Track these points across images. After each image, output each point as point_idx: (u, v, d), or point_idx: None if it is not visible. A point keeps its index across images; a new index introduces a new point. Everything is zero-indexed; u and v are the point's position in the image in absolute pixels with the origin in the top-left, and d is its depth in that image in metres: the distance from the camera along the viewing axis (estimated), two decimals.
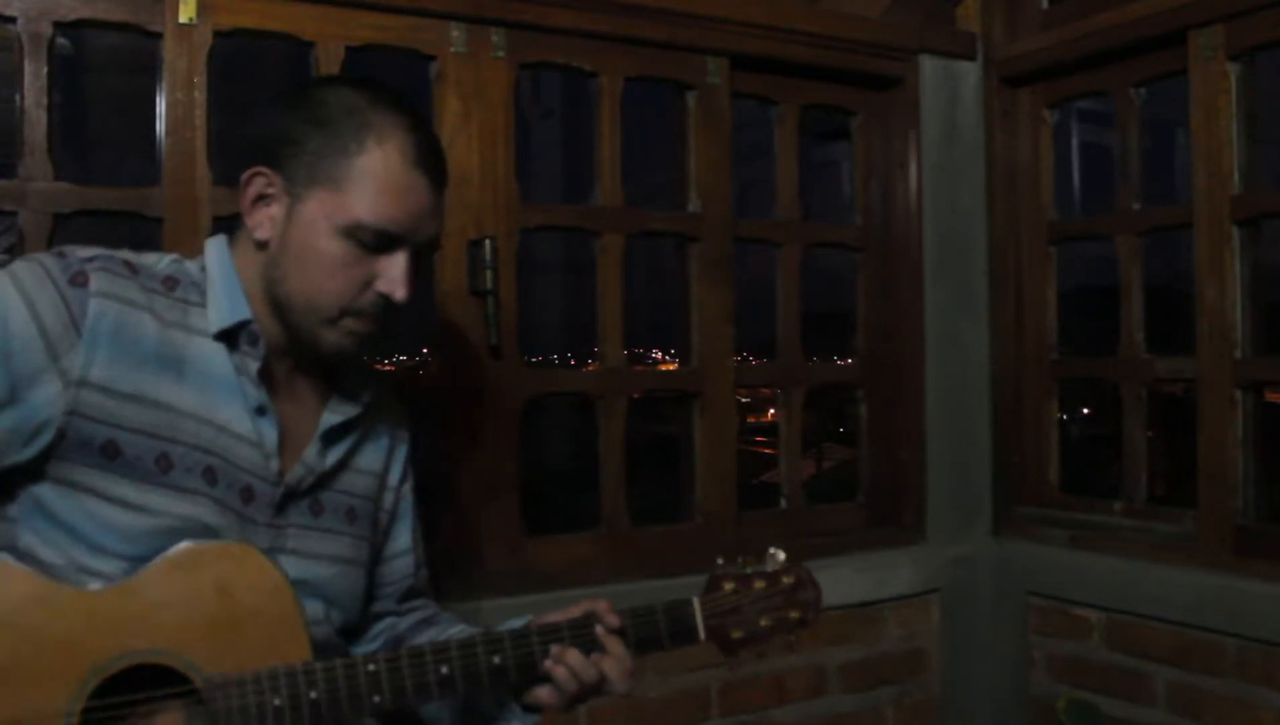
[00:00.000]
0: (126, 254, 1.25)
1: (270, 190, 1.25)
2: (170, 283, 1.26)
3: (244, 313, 1.26)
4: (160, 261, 1.27)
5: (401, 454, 1.49)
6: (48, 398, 1.16)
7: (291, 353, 1.31)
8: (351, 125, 1.23)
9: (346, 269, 1.23)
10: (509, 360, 2.10)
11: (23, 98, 1.76)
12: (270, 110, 1.30)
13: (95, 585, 1.15)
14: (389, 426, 1.46)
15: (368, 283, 1.25)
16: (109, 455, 1.18)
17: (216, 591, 1.18)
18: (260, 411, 1.27)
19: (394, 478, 1.47)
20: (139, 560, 1.17)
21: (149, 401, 1.20)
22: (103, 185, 1.83)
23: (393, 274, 1.25)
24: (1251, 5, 2.10)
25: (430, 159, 1.26)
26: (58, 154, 1.78)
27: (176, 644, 1.16)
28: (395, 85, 1.31)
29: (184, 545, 1.18)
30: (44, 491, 1.18)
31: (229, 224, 1.39)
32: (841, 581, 2.38)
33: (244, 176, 1.26)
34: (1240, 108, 2.17)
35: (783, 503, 2.52)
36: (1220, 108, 2.18)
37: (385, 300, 1.25)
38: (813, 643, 2.37)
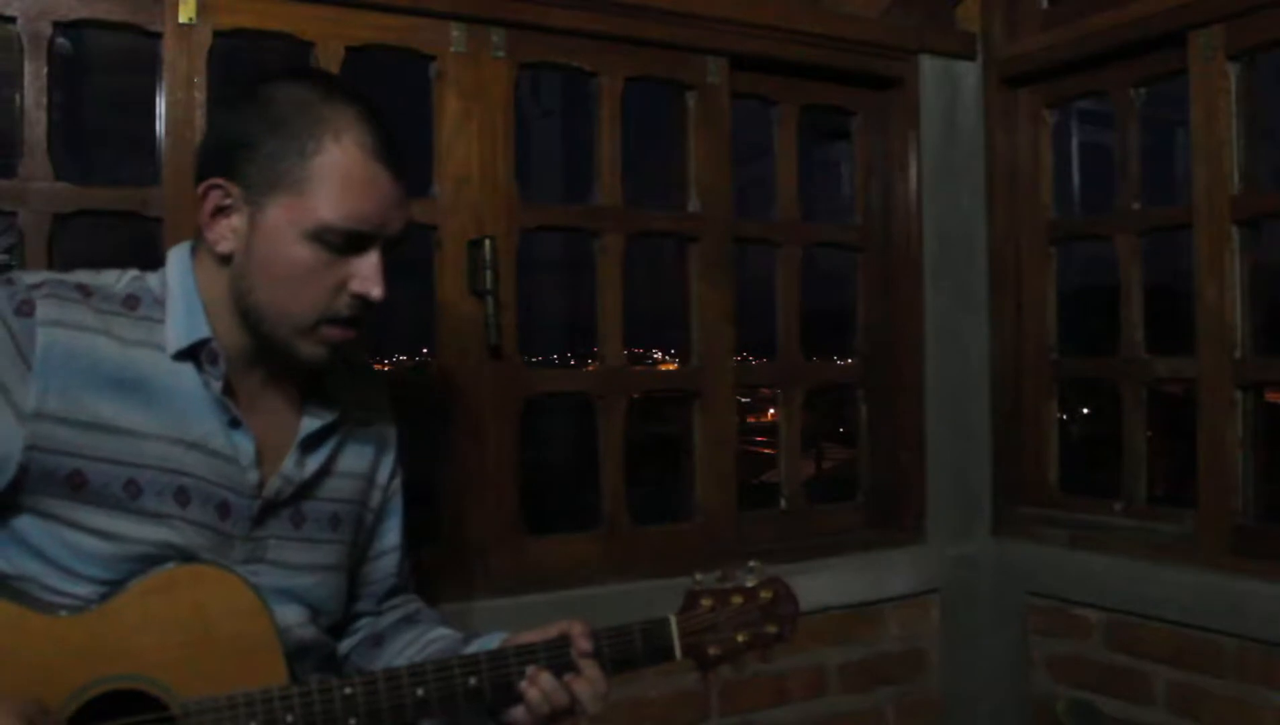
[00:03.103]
0: (80, 276, 1.22)
1: (228, 201, 1.20)
2: (131, 301, 1.22)
3: (202, 332, 1.22)
4: (119, 281, 1.24)
5: (390, 452, 1.46)
6: (4, 435, 1.13)
7: (264, 363, 1.27)
8: (305, 122, 1.18)
9: (317, 274, 1.19)
10: (509, 360, 2.10)
11: (23, 98, 1.76)
12: (220, 114, 1.25)
13: (63, 612, 1.14)
14: (374, 425, 1.42)
15: (341, 285, 1.21)
16: (75, 486, 1.16)
17: (192, 616, 1.17)
18: (234, 425, 1.24)
19: (383, 476, 1.44)
20: (112, 584, 1.17)
21: (110, 428, 1.17)
22: (103, 185, 1.82)
23: (366, 273, 1.21)
24: (1251, 5, 2.10)
25: (389, 149, 1.21)
26: (58, 154, 1.78)
27: (152, 669, 1.15)
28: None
29: (159, 570, 1.17)
30: (20, 521, 1.17)
31: None
32: (841, 581, 2.39)
33: (200, 189, 1.21)
34: (1240, 108, 2.17)
35: (783, 503, 2.52)
36: (1220, 108, 2.18)
37: (361, 301, 1.22)
38: (813, 643, 2.37)
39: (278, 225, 1.18)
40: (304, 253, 1.18)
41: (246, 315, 1.22)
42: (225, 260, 1.22)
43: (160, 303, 1.23)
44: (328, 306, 1.21)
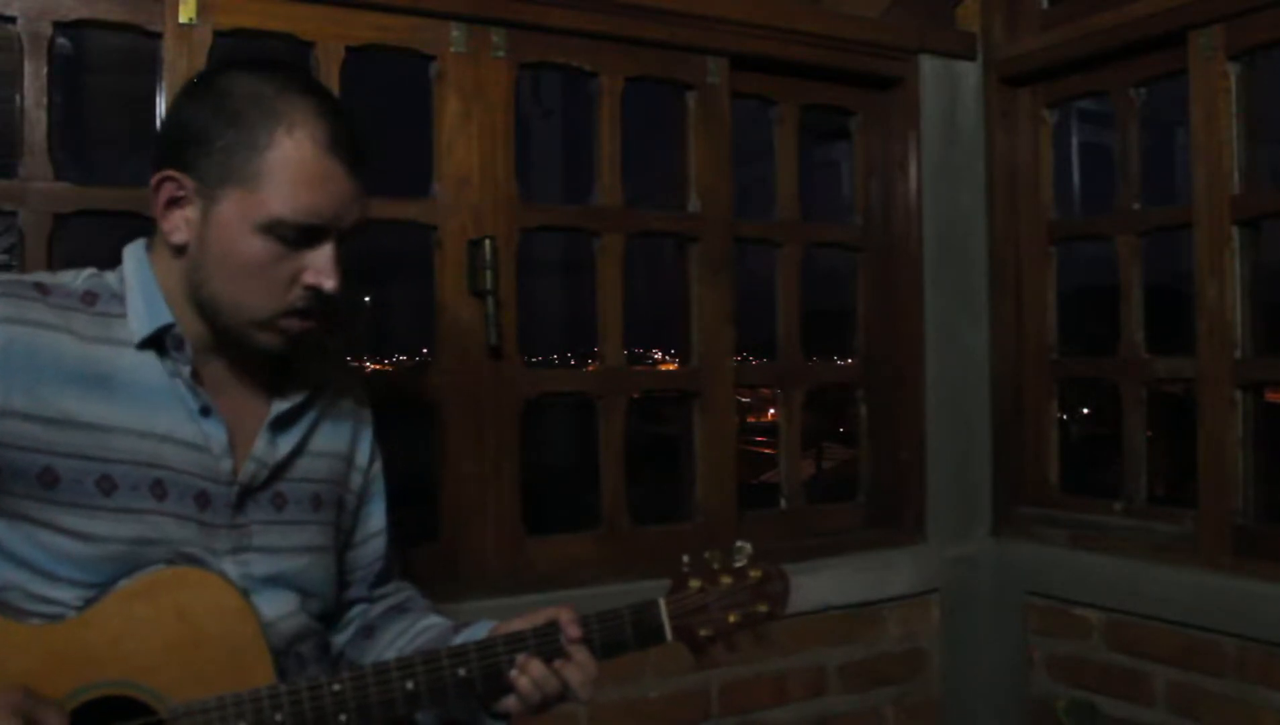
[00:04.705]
0: (39, 275, 1.23)
1: (182, 193, 1.20)
2: (89, 297, 1.22)
3: (164, 318, 1.22)
4: (77, 278, 1.24)
5: (366, 433, 1.45)
6: None
7: (227, 349, 1.27)
8: (258, 115, 1.17)
9: (271, 266, 1.19)
10: (509, 360, 2.10)
11: (23, 98, 1.76)
12: (175, 106, 1.25)
13: (43, 620, 1.14)
14: (348, 406, 1.42)
15: (295, 278, 1.20)
16: (47, 484, 1.15)
17: (177, 618, 1.16)
18: (204, 412, 1.23)
19: (361, 458, 1.44)
20: (96, 586, 1.16)
21: (78, 423, 1.17)
22: (103, 185, 1.83)
23: (319, 265, 1.20)
24: (1251, 5, 2.10)
25: (344, 142, 1.20)
26: (58, 154, 1.78)
27: (139, 673, 1.14)
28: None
29: (139, 575, 1.17)
30: None
31: None
32: (841, 581, 2.39)
33: (153, 181, 1.21)
34: (1240, 108, 2.17)
35: (783, 503, 2.52)
36: (1220, 108, 2.18)
37: (315, 292, 1.21)
38: (813, 643, 2.37)
39: (230, 218, 1.18)
40: (257, 245, 1.18)
41: (202, 306, 1.23)
42: (180, 251, 1.22)
43: (119, 297, 1.23)
44: (282, 299, 1.21)
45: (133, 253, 1.27)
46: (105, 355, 1.20)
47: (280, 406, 1.30)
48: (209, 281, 1.21)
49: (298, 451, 1.33)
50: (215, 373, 1.27)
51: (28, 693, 1.05)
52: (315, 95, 1.23)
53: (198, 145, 1.19)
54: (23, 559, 1.15)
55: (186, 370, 1.23)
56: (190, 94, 1.25)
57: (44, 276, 1.23)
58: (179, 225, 1.21)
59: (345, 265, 1.24)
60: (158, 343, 1.22)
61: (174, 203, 1.21)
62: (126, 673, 1.14)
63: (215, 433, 1.24)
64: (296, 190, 1.18)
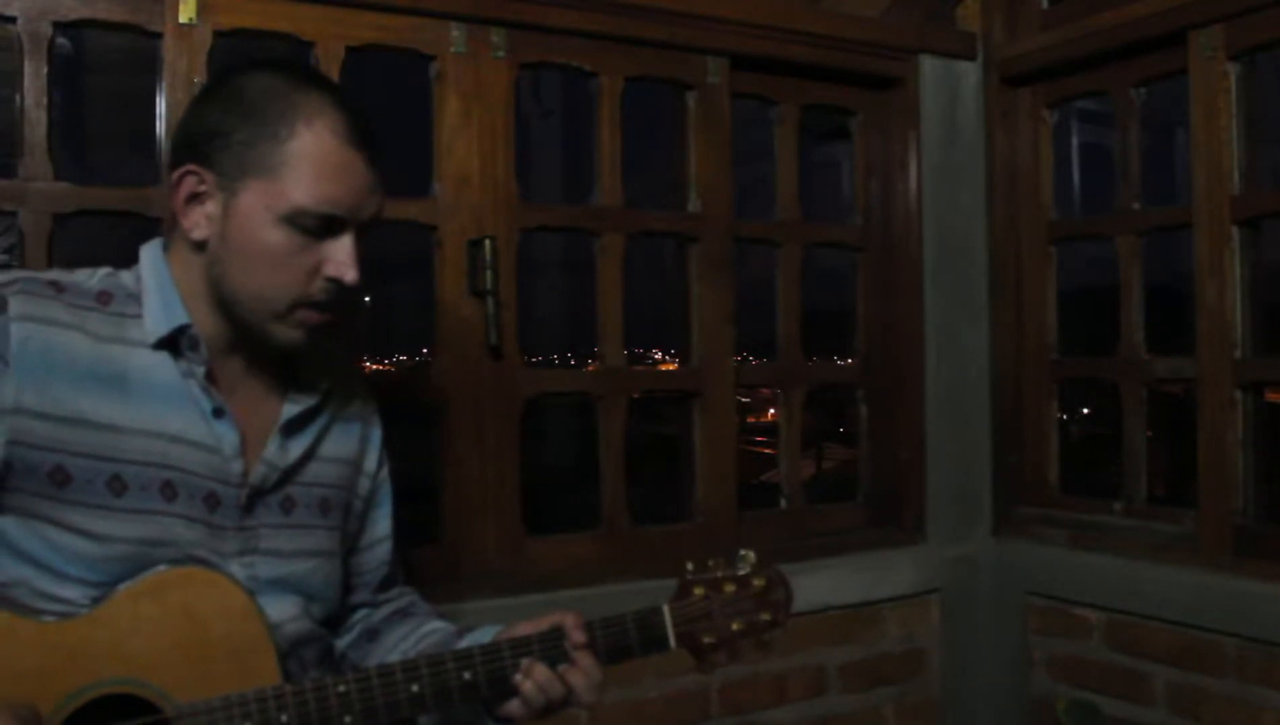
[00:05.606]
0: (54, 273, 1.23)
1: (202, 188, 1.21)
2: (104, 297, 1.23)
3: (180, 318, 1.22)
4: (92, 277, 1.24)
5: (375, 439, 1.46)
6: None
7: (242, 350, 1.27)
8: (277, 110, 1.19)
9: (292, 258, 1.20)
10: (509, 360, 2.10)
11: (23, 98, 1.76)
12: (192, 106, 1.27)
13: (50, 617, 1.14)
14: (357, 412, 1.43)
15: (315, 269, 1.21)
16: (58, 482, 1.15)
17: (183, 617, 1.17)
18: (217, 414, 1.24)
19: (370, 463, 1.44)
20: (103, 585, 1.16)
21: (91, 423, 1.17)
22: (103, 185, 1.82)
23: (340, 257, 1.21)
24: (1251, 5, 2.10)
25: (363, 134, 1.22)
26: (58, 154, 1.78)
27: (146, 672, 1.15)
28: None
29: (148, 574, 1.17)
30: (4, 523, 1.16)
31: None
32: (841, 581, 2.39)
33: (173, 177, 1.22)
34: (1240, 108, 2.17)
35: (783, 503, 2.52)
36: (1220, 108, 2.18)
37: (336, 285, 1.22)
38: (813, 643, 2.37)
39: (252, 209, 1.19)
40: (278, 236, 1.19)
41: (222, 301, 1.23)
42: (200, 247, 1.23)
43: (134, 297, 1.24)
44: (302, 290, 1.21)
45: (149, 252, 1.27)
46: (119, 355, 1.20)
47: (292, 410, 1.31)
48: (229, 275, 1.21)
49: (308, 456, 1.34)
50: (228, 374, 1.28)
51: (33, 710, 1.06)
52: (330, 89, 1.24)
53: (217, 140, 1.20)
54: (32, 556, 1.16)
55: (201, 371, 1.23)
56: (205, 95, 1.27)
57: (59, 274, 1.23)
58: (199, 221, 1.22)
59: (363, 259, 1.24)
60: (172, 343, 1.23)
61: (194, 198, 1.22)
62: (132, 671, 1.14)
63: (227, 434, 1.25)
64: (318, 180, 1.19)
